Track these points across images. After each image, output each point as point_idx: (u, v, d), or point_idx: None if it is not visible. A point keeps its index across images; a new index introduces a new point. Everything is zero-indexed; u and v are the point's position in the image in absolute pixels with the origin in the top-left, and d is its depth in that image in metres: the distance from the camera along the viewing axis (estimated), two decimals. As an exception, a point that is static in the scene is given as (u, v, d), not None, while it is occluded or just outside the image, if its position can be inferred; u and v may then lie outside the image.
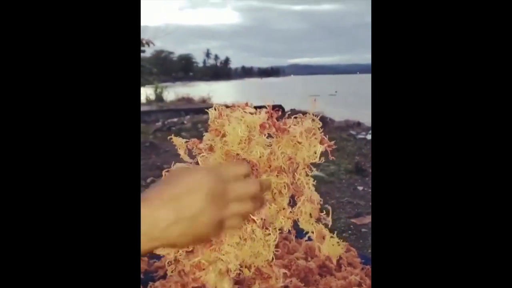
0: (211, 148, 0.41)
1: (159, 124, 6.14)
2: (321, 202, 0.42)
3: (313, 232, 0.41)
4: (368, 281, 1.10)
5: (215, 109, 0.41)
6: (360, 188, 2.96)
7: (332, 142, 0.42)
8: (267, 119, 0.41)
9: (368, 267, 1.19)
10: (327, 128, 5.35)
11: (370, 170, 3.34)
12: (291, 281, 0.86)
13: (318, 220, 0.42)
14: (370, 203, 2.68)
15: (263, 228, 0.39)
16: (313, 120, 0.42)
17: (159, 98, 10.05)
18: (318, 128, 0.42)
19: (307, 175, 0.41)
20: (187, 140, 0.42)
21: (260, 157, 0.39)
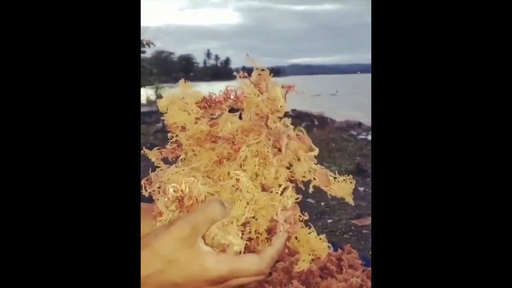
0: (179, 145, 0.40)
1: (159, 125, 6.15)
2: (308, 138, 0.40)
3: (315, 179, 0.39)
4: (369, 283, 1.09)
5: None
6: (361, 189, 2.95)
7: (292, 84, 0.41)
8: (227, 97, 0.40)
9: (369, 269, 1.18)
10: (328, 128, 5.36)
11: (371, 171, 3.33)
12: (292, 283, 0.86)
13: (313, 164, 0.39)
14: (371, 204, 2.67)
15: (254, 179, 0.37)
16: (260, 73, 0.40)
17: (159, 98, 10.04)
18: (269, 75, 0.40)
19: (280, 119, 0.40)
20: (159, 147, 0.42)
21: (236, 131, 0.38)
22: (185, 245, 0.32)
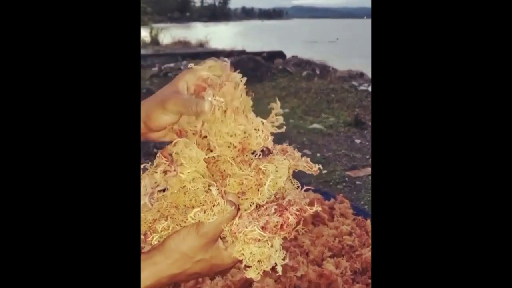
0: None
1: (155, 69, 5.94)
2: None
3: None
4: (359, 231, 1.17)
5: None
6: (358, 141, 2.99)
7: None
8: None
9: (360, 217, 1.26)
10: (329, 78, 5.22)
11: (369, 123, 3.34)
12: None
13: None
14: (367, 156, 2.74)
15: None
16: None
17: (154, 41, 9.58)
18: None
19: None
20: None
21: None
22: (210, 246, 0.39)
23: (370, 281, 0.98)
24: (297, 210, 0.38)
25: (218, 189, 0.37)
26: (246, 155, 0.40)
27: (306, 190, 0.41)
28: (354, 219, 1.25)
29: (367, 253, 1.03)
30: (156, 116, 0.39)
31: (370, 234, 1.14)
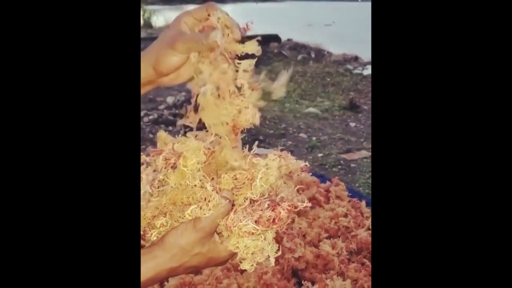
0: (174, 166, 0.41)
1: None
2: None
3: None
4: (354, 213, 1.19)
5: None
6: (353, 124, 3.00)
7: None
8: None
9: (355, 199, 1.27)
10: (324, 61, 5.18)
11: (364, 107, 3.35)
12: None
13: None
14: (362, 140, 2.76)
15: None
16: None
17: (147, 24, 9.34)
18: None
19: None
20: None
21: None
22: (207, 240, 0.40)
23: (365, 260, 1.00)
24: (289, 206, 0.40)
25: (212, 185, 0.39)
26: (237, 134, 0.42)
27: (303, 174, 0.43)
28: (349, 201, 1.27)
29: (362, 233, 1.05)
30: (166, 58, 0.40)
31: (365, 215, 1.16)
